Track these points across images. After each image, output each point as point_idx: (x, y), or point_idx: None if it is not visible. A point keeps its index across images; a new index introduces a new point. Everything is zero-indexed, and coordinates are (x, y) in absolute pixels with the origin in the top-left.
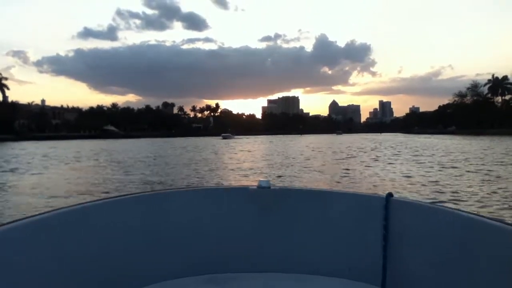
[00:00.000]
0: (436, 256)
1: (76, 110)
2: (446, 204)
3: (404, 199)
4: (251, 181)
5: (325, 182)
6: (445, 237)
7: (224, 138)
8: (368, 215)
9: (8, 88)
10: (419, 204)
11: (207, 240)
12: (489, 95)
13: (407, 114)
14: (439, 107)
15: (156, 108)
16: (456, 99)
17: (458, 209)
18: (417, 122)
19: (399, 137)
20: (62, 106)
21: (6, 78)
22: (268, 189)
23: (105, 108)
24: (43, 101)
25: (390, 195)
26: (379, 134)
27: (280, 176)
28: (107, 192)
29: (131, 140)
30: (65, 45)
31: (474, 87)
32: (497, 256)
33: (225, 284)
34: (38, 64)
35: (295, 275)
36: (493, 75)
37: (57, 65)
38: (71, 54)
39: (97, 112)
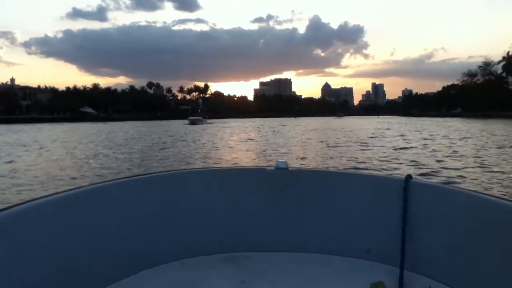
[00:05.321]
0: (455, 238)
1: (50, 91)
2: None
3: (423, 181)
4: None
5: None
6: (463, 219)
7: (192, 123)
8: (387, 196)
9: None
10: (438, 186)
11: (224, 220)
12: (503, 74)
13: (404, 96)
14: (443, 88)
15: (141, 88)
16: (465, 78)
17: (477, 191)
18: (415, 105)
19: (425, 121)
20: (39, 86)
21: None
22: (286, 170)
23: (88, 89)
24: (12, 80)
25: (409, 177)
26: (376, 116)
27: None
28: None
29: (94, 125)
30: (53, 26)
31: (486, 65)
32: None
33: (241, 263)
34: (26, 45)
35: (314, 255)
36: (508, 53)
37: (46, 46)
38: (59, 35)
39: (74, 93)
